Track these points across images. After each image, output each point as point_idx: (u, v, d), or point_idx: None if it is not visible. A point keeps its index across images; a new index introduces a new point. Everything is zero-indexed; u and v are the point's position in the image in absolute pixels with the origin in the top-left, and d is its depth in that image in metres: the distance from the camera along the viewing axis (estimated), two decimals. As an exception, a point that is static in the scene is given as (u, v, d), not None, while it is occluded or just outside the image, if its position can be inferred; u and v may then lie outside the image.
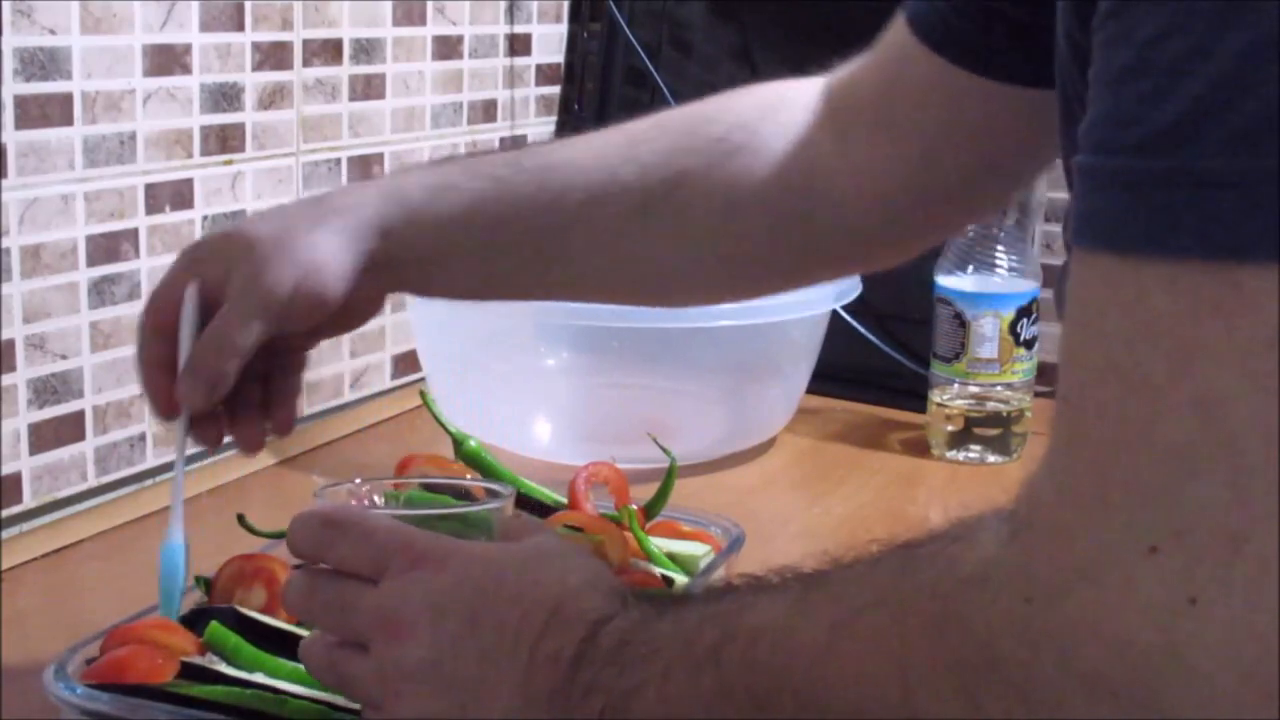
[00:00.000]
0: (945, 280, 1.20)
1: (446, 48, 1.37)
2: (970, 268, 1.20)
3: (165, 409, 0.76)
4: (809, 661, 0.48)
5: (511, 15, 1.46)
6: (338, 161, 1.26)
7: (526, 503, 0.91)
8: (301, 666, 0.73)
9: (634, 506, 0.89)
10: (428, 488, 0.78)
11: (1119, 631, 0.40)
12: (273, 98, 1.18)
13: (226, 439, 0.79)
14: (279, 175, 1.20)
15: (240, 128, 1.16)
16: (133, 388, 1.09)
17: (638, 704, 0.53)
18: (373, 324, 1.32)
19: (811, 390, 1.26)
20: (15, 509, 1.01)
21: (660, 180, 0.78)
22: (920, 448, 1.23)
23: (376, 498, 0.74)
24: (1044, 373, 1.28)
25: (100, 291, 1.05)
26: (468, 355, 1.22)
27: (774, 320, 1.15)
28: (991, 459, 1.20)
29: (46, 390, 1.03)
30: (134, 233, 1.08)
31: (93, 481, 1.07)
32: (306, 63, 1.21)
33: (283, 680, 0.72)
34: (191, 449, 0.77)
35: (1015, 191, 1.06)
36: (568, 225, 0.78)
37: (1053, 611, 0.41)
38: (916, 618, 0.45)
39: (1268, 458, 0.38)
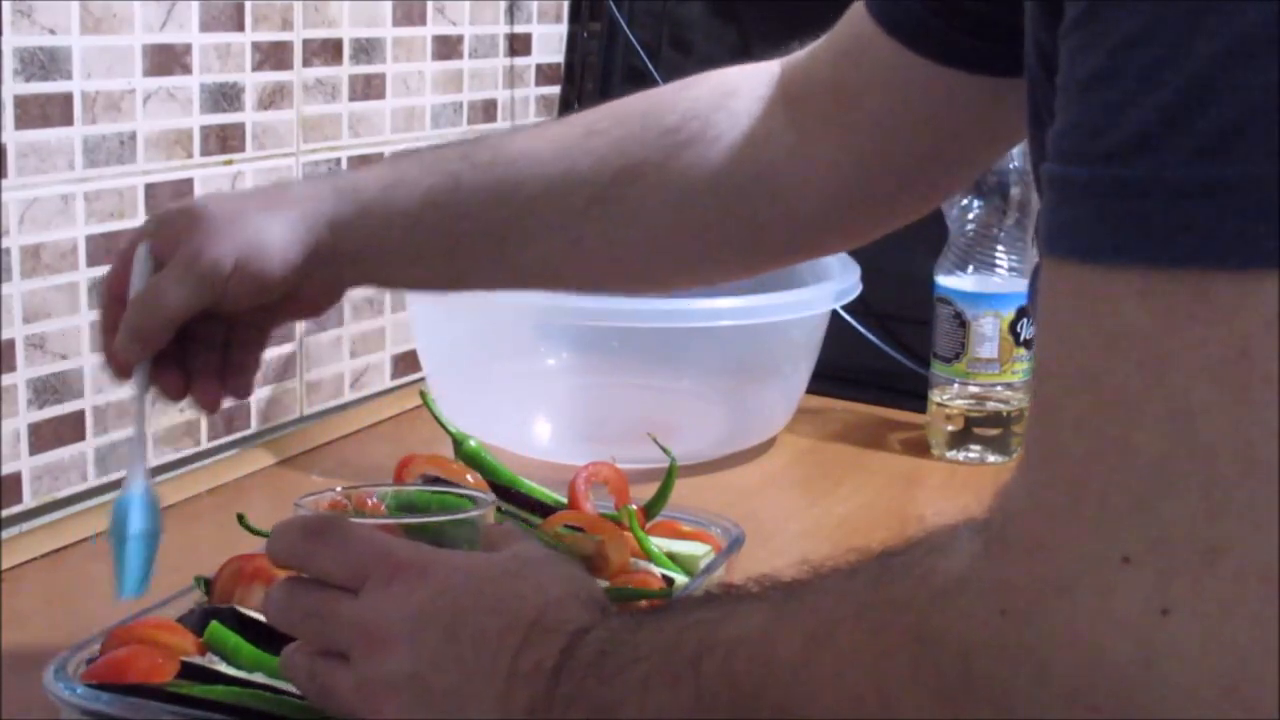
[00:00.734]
0: (945, 280, 1.20)
1: (446, 48, 1.37)
2: (970, 268, 1.20)
3: (115, 366, 0.78)
4: (786, 674, 0.48)
5: (511, 15, 1.46)
6: (338, 161, 1.26)
7: (527, 502, 0.91)
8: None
9: (634, 506, 0.89)
10: (403, 501, 0.77)
11: (1094, 643, 0.39)
12: (273, 98, 1.18)
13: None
14: (279, 175, 1.20)
15: (240, 128, 1.16)
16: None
17: (618, 715, 0.53)
18: (373, 324, 1.32)
19: (811, 390, 1.26)
20: (15, 509, 1.01)
21: (615, 171, 0.79)
22: (920, 448, 1.23)
23: (371, 500, 0.74)
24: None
25: (100, 292, 1.05)
26: (468, 355, 1.22)
27: (774, 320, 1.15)
28: (991, 459, 1.20)
29: (46, 390, 1.03)
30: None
31: (93, 481, 1.07)
32: (306, 63, 1.21)
33: (283, 680, 0.72)
34: (159, 433, 0.76)
35: (971, 177, 1.05)
36: (523, 217, 0.79)
37: (1028, 625, 0.41)
38: (893, 631, 0.45)
39: (1242, 469, 0.37)
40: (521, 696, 0.56)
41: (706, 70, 0.81)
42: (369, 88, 1.28)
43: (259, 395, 1.21)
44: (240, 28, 1.14)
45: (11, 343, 1.00)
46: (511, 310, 1.13)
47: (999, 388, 1.20)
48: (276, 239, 0.76)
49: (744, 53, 1.52)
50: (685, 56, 1.51)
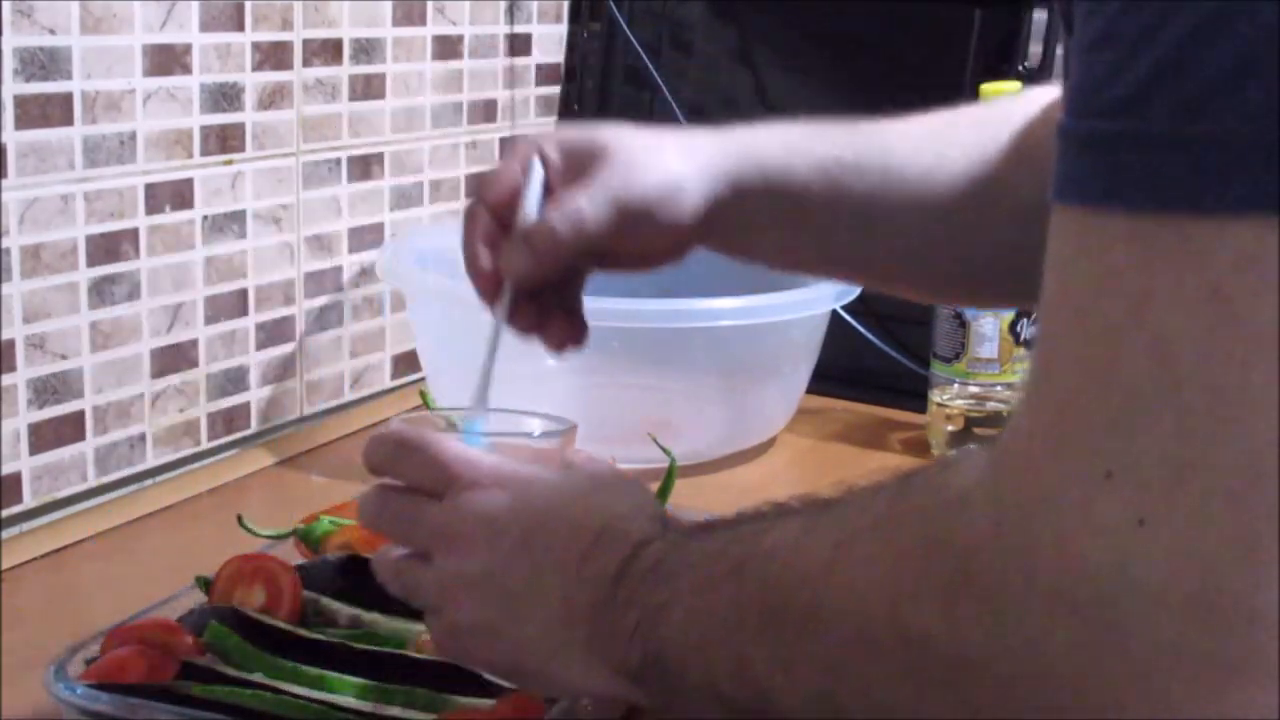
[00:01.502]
0: (945, 280, 1.20)
1: (446, 48, 1.37)
2: (970, 268, 1.20)
3: (486, 285, 0.74)
4: (813, 579, 0.52)
5: (511, 15, 1.46)
6: (338, 161, 1.26)
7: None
8: (301, 666, 0.73)
9: (634, 506, 0.89)
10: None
11: (1077, 550, 0.43)
12: (273, 98, 1.18)
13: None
14: (279, 175, 1.20)
15: (240, 128, 1.16)
16: (133, 388, 1.09)
17: (667, 617, 0.58)
18: (372, 324, 1.32)
19: (811, 390, 1.26)
20: (15, 509, 1.01)
21: (980, 165, 0.79)
22: (920, 448, 1.23)
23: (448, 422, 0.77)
24: (1044, 373, 1.28)
25: (100, 291, 1.06)
26: (468, 355, 1.21)
27: (774, 320, 1.15)
28: (991, 459, 1.20)
29: (46, 390, 1.03)
30: (134, 233, 1.08)
31: (93, 481, 1.07)
32: (306, 63, 1.21)
33: (283, 680, 0.72)
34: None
35: None
36: (901, 205, 0.78)
37: (1020, 533, 0.45)
38: (905, 539, 0.50)
39: (1211, 396, 0.41)
40: (584, 597, 0.61)
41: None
42: (369, 88, 1.28)
43: (259, 395, 1.21)
44: (240, 28, 1.14)
45: (11, 343, 1.00)
46: (511, 310, 1.13)
47: (999, 388, 1.20)
48: (690, 187, 0.74)
49: (744, 53, 1.52)
50: (685, 56, 1.51)
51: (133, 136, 1.06)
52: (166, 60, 1.08)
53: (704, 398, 1.21)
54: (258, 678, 0.72)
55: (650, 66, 1.48)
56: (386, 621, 0.79)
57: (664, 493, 0.93)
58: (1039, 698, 0.45)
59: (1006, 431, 0.48)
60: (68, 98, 1.01)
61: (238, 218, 1.16)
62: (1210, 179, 0.41)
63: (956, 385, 1.21)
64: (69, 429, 1.05)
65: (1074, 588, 0.43)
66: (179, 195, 1.11)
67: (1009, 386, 1.20)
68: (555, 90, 1.54)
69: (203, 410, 1.15)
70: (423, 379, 1.29)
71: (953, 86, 1.36)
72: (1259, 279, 0.40)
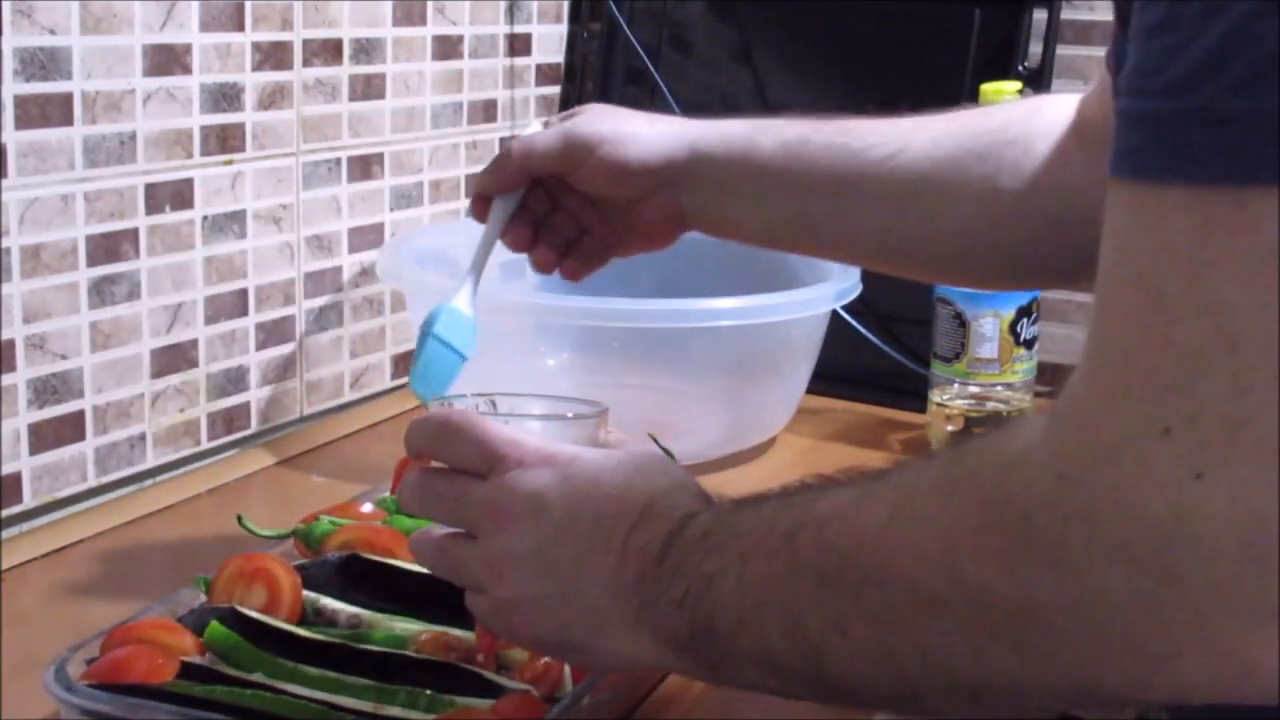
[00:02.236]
0: (945, 280, 1.20)
1: (446, 48, 1.37)
2: (970, 268, 1.20)
3: (475, 204, 0.91)
4: (870, 541, 0.54)
5: (511, 15, 1.46)
6: (338, 161, 1.26)
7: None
8: (301, 666, 0.73)
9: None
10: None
11: (1136, 504, 0.45)
12: (273, 98, 1.18)
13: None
14: (279, 175, 1.20)
15: (240, 128, 1.16)
16: (133, 387, 1.09)
17: (717, 585, 0.59)
18: (372, 324, 1.32)
19: (811, 390, 1.26)
20: (15, 509, 1.01)
21: (946, 154, 0.88)
22: (920, 448, 1.23)
23: (483, 406, 0.80)
24: (1044, 373, 1.28)
25: (100, 291, 1.06)
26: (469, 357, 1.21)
27: (774, 320, 1.15)
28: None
29: (46, 390, 1.03)
30: (134, 233, 1.08)
31: (93, 481, 1.07)
32: (306, 63, 1.21)
33: (282, 680, 0.72)
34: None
35: None
36: (862, 181, 0.88)
37: (1080, 487, 0.47)
38: (963, 500, 0.51)
39: (1266, 357, 0.44)
40: (631, 570, 0.63)
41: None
42: (369, 88, 1.28)
43: (259, 395, 1.21)
44: (240, 28, 1.14)
45: (11, 343, 1.00)
46: (511, 310, 1.13)
47: (999, 388, 1.20)
48: (643, 139, 0.88)
49: (744, 53, 1.52)
50: (685, 56, 1.51)
51: (133, 136, 1.06)
52: (166, 60, 1.08)
53: (704, 398, 1.21)
54: (258, 678, 0.72)
55: (650, 66, 1.48)
56: (386, 621, 0.79)
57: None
58: (1096, 647, 0.47)
59: (1064, 395, 0.50)
60: (68, 98, 1.01)
61: (238, 218, 1.16)
62: (1267, 152, 0.44)
63: (956, 385, 1.21)
64: (69, 429, 1.05)
65: (1133, 540, 0.45)
66: (179, 195, 1.11)
67: (1009, 386, 1.20)
68: (555, 90, 1.54)
69: (203, 410, 1.16)
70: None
71: (953, 86, 1.36)
72: None
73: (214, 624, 0.75)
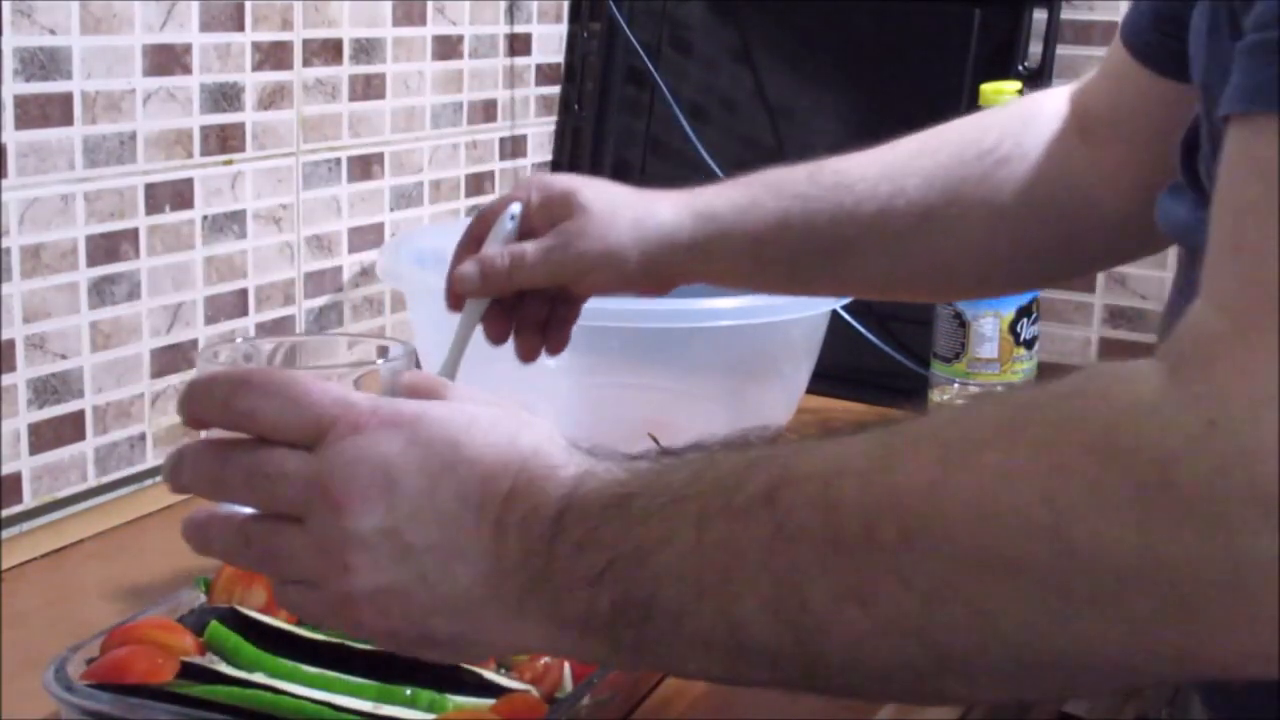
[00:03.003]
0: (945, 280, 1.20)
1: (446, 48, 1.37)
2: (970, 268, 1.20)
3: (450, 296, 0.87)
4: (912, 499, 0.47)
5: (511, 15, 1.46)
6: (338, 161, 1.26)
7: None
8: (301, 666, 0.73)
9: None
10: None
11: None
12: (273, 98, 1.18)
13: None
14: (279, 175, 1.20)
15: (240, 128, 1.16)
16: (133, 387, 1.09)
17: (658, 557, 0.51)
18: (372, 324, 1.32)
19: (811, 390, 1.25)
20: (15, 509, 1.01)
21: (941, 191, 0.87)
22: (920, 448, 1.23)
23: (253, 354, 0.68)
24: (1044, 373, 1.28)
25: (100, 291, 1.06)
26: (468, 355, 1.21)
27: (774, 320, 1.15)
28: (991, 459, 1.20)
29: (46, 390, 1.03)
30: (134, 233, 1.08)
31: (93, 481, 1.07)
32: (306, 63, 1.21)
33: (283, 680, 0.72)
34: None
35: None
36: (859, 237, 0.88)
37: (1238, 435, 0.43)
38: (1063, 449, 0.46)
39: None
40: (514, 547, 0.54)
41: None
42: (369, 88, 1.28)
43: (259, 395, 1.21)
44: (240, 28, 1.14)
45: (11, 343, 1.00)
46: (511, 310, 1.13)
47: (999, 388, 1.20)
48: (638, 254, 0.85)
49: (744, 53, 1.52)
50: (685, 56, 1.51)
51: (133, 136, 1.06)
52: (166, 60, 1.08)
53: (704, 398, 1.21)
54: (258, 678, 0.72)
55: (650, 66, 1.48)
56: (386, 621, 0.79)
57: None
58: (1231, 613, 0.43)
59: (1184, 339, 0.47)
60: (68, 98, 1.01)
61: (238, 218, 1.16)
62: None
63: (956, 385, 1.21)
64: (69, 429, 1.05)
65: None
66: (179, 195, 1.11)
67: (1009, 386, 1.20)
68: (555, 90, 1.54)
69: (203, 410, 1.15)
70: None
71: (953, 86, 1.36)
72: None
73: (214, 624, 0.75)
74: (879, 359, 1.33)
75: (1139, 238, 0.88)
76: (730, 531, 0.50)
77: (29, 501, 1.02)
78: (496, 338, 0.88)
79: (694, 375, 1.20)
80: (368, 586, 0.55)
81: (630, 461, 0.56)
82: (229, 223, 1.16)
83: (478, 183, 1.45)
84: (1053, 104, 0.91)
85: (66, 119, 1.01)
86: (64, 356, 1.04)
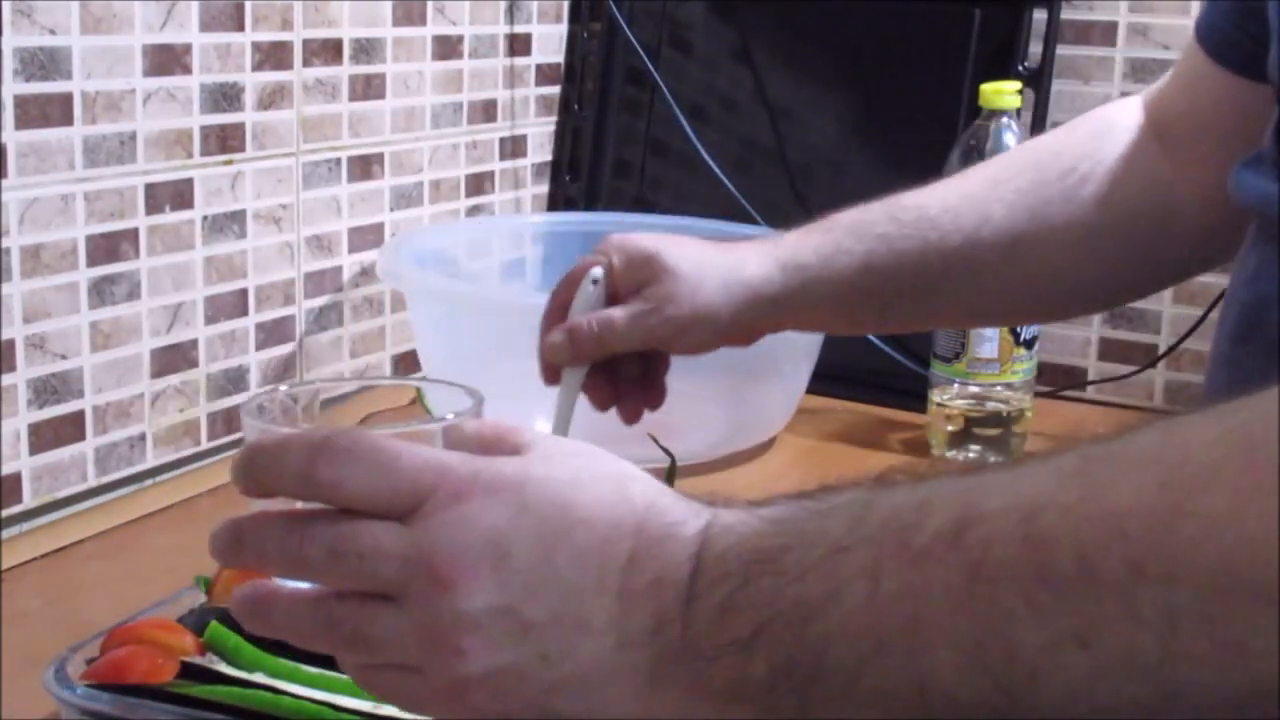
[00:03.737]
0: (945, 280, 1.20)
1: (446, 48, 1.37)
2: (970, 268, 1.19)
3: (545, 369, 0.88)
4: (1142, 525, 0.43)
5: (511, 15, 1.46)
6: (338, 161, 1.26)
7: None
8: (301, 666, 0.73)
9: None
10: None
11: None
12: (273, 98, 1.18)
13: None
14: (279, 175, 1.20)
15: (240, 128, 1.16)
16: (133, 387, 1.09)
17: (829, 614, 0.47)
18: (372, 324, 1.32)
19: (811, 390, 1.26)
20: (15, 509, 1.01)
21: (1027, 216, 0.88)
22: (920, 448, 1.23)
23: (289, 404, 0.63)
24: (1044, 373, 1.28)
25: (100, 291, 1.06)
26: (468, 355, 1.21)
27: (774, 320, 1.15)
28: (992, 459, 1.20)
29: (46, 390, 1.03)
30: (134, 233, 1.08)
31: (93, 481, 1.07)
32: (306, 63, 1.21)
33: (283, 680, 0.72)
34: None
35: None
36: (948, 267, 0.88)
37: None
38: None
39: None
40: (641, 617, 0.50)
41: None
42: (369, 88, 1.28)
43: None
44: (240, 28, 1.14)
45: (11, 343, 1.00)
46: (511, 310, 1.13)
47: (999, 388, 1.20)
48: (728, 313, 0.86)
49: (744, 53, 1.52)
50: (685, 56, 1.51)
51: (133, 136, 1.06)
52: (166, 60, 1.08)
53: (704, 398, 1.21)
54: (258, 678, 0.72)
55: (650, 66, 1.48)
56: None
57: (664, 493, 0.93)
58: None
59: None
60: (68, 98, 1.01)
61: (238, 218, 1.16)
62: None
63: (956, 385, 1.21)
64: (69, 429, 1.05)
65: None
66: (179, 195, 1.11)
67: (1009, 386, 1.20)
68: (555, 90, 1.54)
69: (203, 410, 1.15)
70: (423, 379, 1.29)
71: (953, 86, 1.36)
72: None
73: (214, 624, 0.75)
74: (879, 359, 1.33)
75: (1224, 241, 0.86)
76: (913, 579, 0.46)
77: (29, 501, 1.02)
78: (602, 404, 0.89)
79: (694, 375, 1.20)
80: (481, 670, 0.50)
81: (762, 509, 0.52)
82: (229, 223, 1.16)
83: (478, 183, 1.45)
84: (1126, 115, 0.90)
85: (66, 119, 1.01)
86: (64, 356, 1.04)
